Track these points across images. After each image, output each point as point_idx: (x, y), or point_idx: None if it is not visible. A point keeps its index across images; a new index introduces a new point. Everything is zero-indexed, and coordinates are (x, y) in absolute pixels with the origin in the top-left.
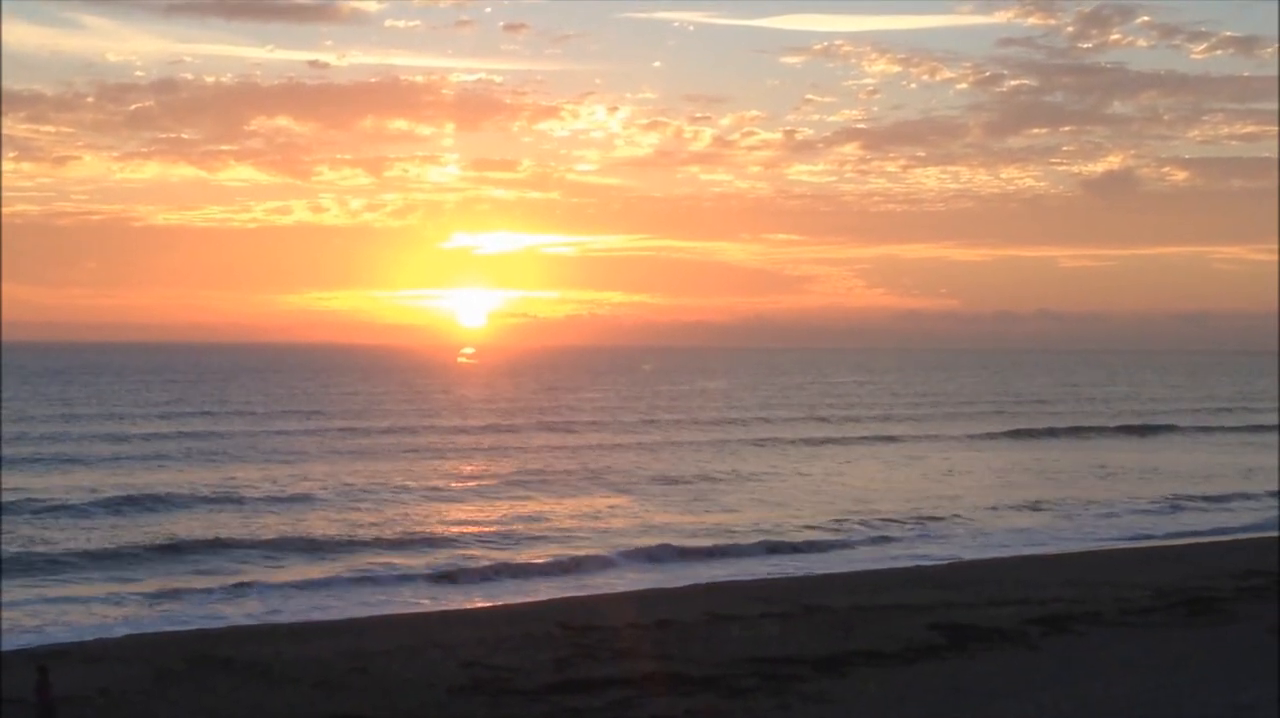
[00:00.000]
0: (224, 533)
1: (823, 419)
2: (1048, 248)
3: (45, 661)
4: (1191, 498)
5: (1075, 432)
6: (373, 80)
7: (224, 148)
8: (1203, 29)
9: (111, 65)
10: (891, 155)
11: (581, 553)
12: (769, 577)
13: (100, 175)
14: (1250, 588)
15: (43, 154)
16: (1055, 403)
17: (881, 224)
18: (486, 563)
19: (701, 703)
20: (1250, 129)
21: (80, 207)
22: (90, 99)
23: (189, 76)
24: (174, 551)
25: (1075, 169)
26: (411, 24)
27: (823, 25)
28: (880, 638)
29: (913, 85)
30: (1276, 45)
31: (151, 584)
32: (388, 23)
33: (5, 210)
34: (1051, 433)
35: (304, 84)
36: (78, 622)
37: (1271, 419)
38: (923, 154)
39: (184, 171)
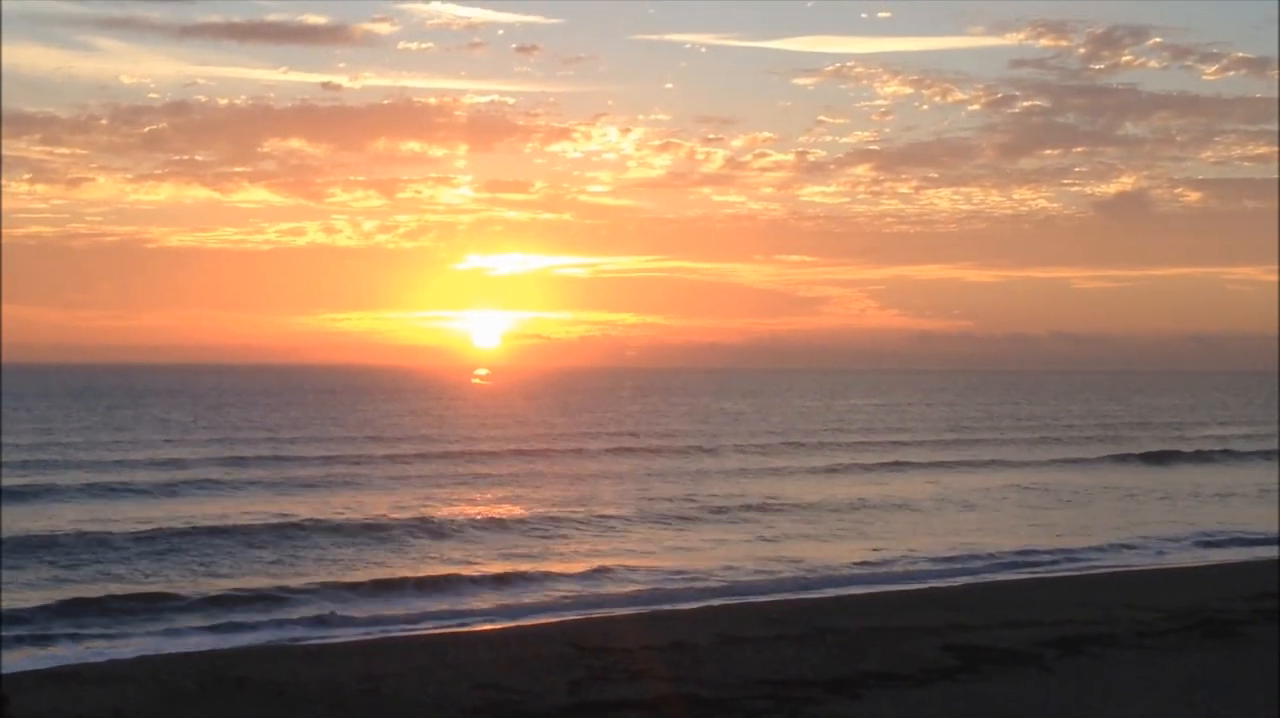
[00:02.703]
0: (256, 561)
1: (940, 442)
2: (1061, 269)
3: (54, 682)
4: None
5: (1200, 456)
6: (385, 102)
7: (237, 169)
8: (1214, 50)
9: (125, 88)
10: (904, 177)
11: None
12: (780, 598)
13: (114, 197)
14: (1263, 610)
15: (57, 176)
16: (1142, 426)
17: (894, 245)
18: (702, 595)
19: None
20: (1262, 150)
21: (94, 228)
22: (104, 121)
23: (202, 99)
24: (199, 576)
25: (1088, 190)
26: (424, 46)
27: (835, 47)
28: (893, 660)
29: (925, 107)
30: (1277, 68)
31: (172, 612)
32: (400, 45)
33: (19, 233)
34: (1178, 456)
35: (317, 106)
36: (90, 643)
37: None
38: (935, 175)
39: (197, 193)
